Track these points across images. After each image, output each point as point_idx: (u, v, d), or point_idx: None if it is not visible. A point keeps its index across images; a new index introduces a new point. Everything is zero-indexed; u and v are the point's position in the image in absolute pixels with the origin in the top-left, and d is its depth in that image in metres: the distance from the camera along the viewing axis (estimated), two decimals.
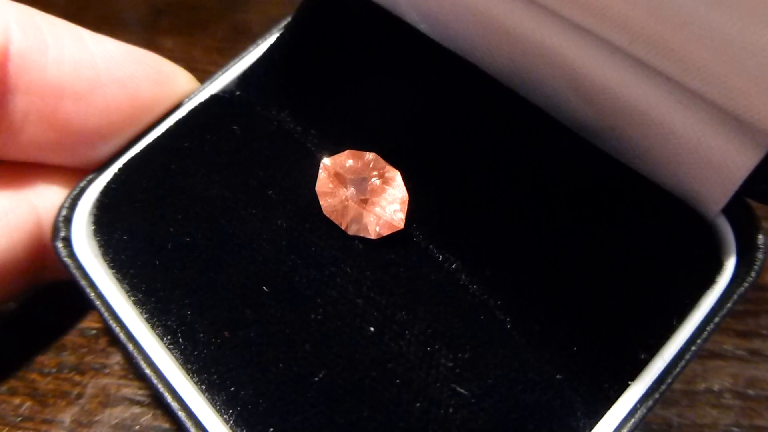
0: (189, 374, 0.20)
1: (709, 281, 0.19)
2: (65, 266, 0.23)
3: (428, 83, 0.23)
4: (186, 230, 0.21)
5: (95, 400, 0.24)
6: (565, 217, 0.20)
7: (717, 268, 0.19)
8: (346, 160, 0.20)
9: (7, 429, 0.24)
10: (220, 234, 0.21)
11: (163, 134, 0.24)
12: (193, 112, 0.25)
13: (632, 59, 0.21)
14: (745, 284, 0.19)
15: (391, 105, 0.23)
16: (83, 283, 0.22)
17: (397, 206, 0.20)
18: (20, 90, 0.21)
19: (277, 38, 0.26)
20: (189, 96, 0.26)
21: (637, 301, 0.19)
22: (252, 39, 0.26)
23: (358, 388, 0.18)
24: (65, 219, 0.23)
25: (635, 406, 0.18)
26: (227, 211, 0.21)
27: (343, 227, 0.20)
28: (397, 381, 0.18)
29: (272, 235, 0.20)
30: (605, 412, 0.18)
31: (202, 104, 0.25)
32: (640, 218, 0.20)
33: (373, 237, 0.20)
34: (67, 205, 0.23)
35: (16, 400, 0.24)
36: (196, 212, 0.21)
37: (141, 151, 0.24)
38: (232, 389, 0.19)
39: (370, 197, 0.20)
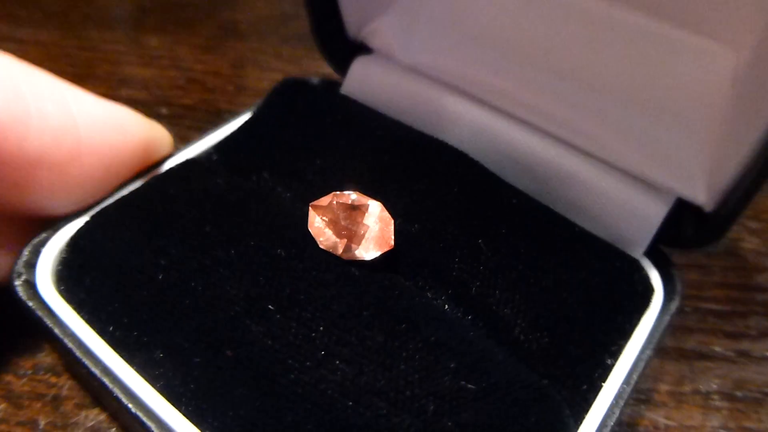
0: (178, 404, 0.19)
1: (647, 303, 0.23)
2: (27, 309, 0.21)
3: (393, 150, 0.27)
4: (179, 261, 0.21)
5: (71, 402, 0.23)
6: (526, 258, 0.24)
7: (650, 293, 0.24)
8: (332, 199, 0.22)
9: None
10: (218, 263, 0.21)
11: (142, 186, 0.25)
12: (170, 171, 0.26)
13: (560, 139, 0.27)
14: (674, 305, 0.23)
15: (361, 165, 0.26)
16: (49, 322, 0.21)
17: (384, 228, 0.22)
18: None
19: (252, 115, 0.29)
20: (163, 161, 0.27)
21: (598, 318, 0.22)
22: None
23: (373, 389, 0.18)
24: (27, 263, 0.22)
25: (612, 403, 0.20)
26: (223, 244, 0.22)
27: (338, 254, 0.22)
28: (410, 380, 0.19)
29: (272, 262, 0.21)
30: (585, 414, 0.20)
31: (179, 165, 0.26)
32: (585, 260, 0.24)
33: (368, 259, 0.21)
34: (29, 249, 0.23)
35: None
36: (190, 245, 0.22)
37: (119, 199, 0.24)
38: (232, 412, 0.19)
39: (359, 225, 0.22)
